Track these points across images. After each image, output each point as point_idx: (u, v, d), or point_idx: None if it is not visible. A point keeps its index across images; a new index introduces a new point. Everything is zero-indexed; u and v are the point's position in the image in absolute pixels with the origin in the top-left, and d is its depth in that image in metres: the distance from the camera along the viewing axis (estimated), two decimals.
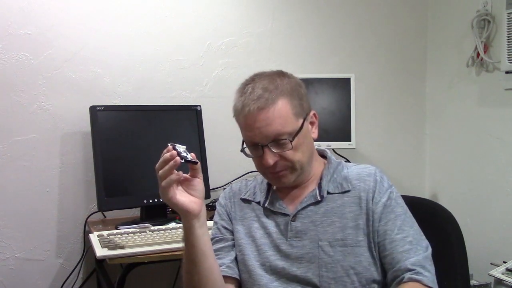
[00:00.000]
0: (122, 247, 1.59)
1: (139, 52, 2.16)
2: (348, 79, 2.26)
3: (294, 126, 1.17)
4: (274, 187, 1.29)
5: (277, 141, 1.15)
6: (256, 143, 1.17)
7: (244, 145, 1.22)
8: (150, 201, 1.92)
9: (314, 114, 1.25)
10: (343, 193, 1.22)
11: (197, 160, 1.11)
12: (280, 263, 1.20)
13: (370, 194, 1.20)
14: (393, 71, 2.63)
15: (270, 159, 1.16)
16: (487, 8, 2.29)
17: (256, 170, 1.25)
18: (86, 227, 2.02)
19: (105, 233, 1.73)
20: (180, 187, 1.11)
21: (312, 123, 1.25)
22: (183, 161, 1.07)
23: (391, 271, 1.14)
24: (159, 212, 1.94)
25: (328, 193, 1.22)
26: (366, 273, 1.16)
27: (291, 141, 1.16)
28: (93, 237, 1.73)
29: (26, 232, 1.99)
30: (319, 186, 1.23)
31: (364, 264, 1.16)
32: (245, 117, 1.15)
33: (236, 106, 1.19)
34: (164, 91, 2.21)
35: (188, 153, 1.10)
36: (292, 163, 1.18)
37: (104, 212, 2.03)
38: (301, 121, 1.19)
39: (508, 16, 2.14)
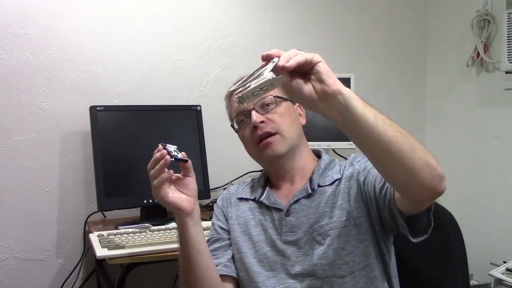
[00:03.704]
0: (122, 247, 1.59)
1: (139, 52, 2.16)
2: (348, 79, 2.26)
3: (279, 94, 1.26)
4: (269, 189, 1.30)
5: (262, 104, 1.25)
6: (244, 110, 1.25)
7: (235, 124, 1.30)
8: (150, 201, 1.92)
9: (299, 106, 1.34)
10: (332, 183, 1.23)
11: (187, 158, 1.14)
12: (277, 258, 1.21)
13: (349, 171, 1.23)
14: (393, 71, 2.64)
15: (257, 118, 1.23)
16: (487, 8, 2.30)
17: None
18: (86, 227, 2.02)
19: (105, 233, 1.73)
20: (172, 186, 1.14)
21: (299, 114, 1.33)
22: (173, 159, 1.09)
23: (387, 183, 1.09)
24: (159, 212, 1.94)
25: (319, 186, 1.23)
26: (356, 251, 1.16)
27: (276, 100, 1.25)
28: (93, 237, 1.73)
29: (26, 232, 1.99)
30: (310, 180, 1.25)
31: (353, 243, 1.16)
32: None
33: (229, 89, 1.26)
34: (164, 91, 2.21)
35: (178, 152, 1.12)
36: (280, 126, 1.23)
37: (104, 212, 2.03)
38: (286, 97, 1.27)
39: (508, 16, 2.14)
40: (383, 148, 0.89)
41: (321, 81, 0.87)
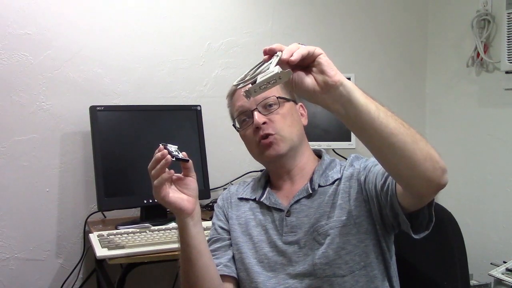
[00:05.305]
0: (122, 247, 1.59)
1: (139, 52, 2.16)
2: (348, 79, 2.25)
3: (282, 94, 1.26)
4: (270, 190, 1.30)
5: (265, 104, 1.24)
6: (246, 109, 1.25)
7: (237, 124, 1.30)
8: (150, 201, 1.92)
9: (301, 106, 1.33)
10: (333, 183, 1.23)
11: (188, 158, 1.13)
12: (278, 259, 1.21)
13: (349, 171, 1.23)
14: (393, 71, 2.64)
15: (260, 119, 1.22)
16: (487, 8, 2.30)
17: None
18: (86, 227, 2.02)
19: (105, 233, 1.74)
20: (173, 186, 1.14)
21: (301, 114, 1.32)
22: (174, 159, 1.08)
23: (390, 178, 1.08)
24: (159, 212, 1.94)
25: (320, 186, 1.24)
26: (356, 250, 1.16)
27: (278, 101, 1.23)
28: (93, 237, 1.73)
29: (26, 232, 1.99)
30: (311, 180, 1.25)
31: (353, 242, 1.16)
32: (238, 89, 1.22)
33: (232, 85, 1.23)
34: (164, 91, 2.21)
35: (179, 152, 1.12)
36: (281, 128, 1.23)
37: (104, 212, 2.03)
38: (289, 98, 1.27)
39: (508, 16, 2.14)
40: (386, 140, 0.90)
41: (322, 72, 0.88)
